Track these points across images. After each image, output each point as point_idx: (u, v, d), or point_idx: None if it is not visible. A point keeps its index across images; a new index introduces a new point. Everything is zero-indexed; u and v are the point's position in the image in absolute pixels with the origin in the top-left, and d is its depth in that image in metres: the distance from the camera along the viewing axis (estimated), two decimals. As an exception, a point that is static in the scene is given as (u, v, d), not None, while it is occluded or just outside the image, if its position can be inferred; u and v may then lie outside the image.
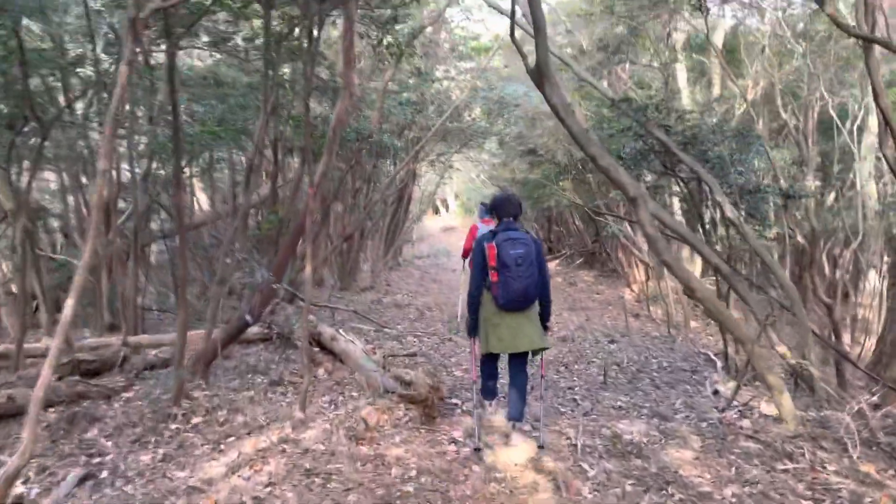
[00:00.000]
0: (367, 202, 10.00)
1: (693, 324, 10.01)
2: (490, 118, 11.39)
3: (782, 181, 6.72)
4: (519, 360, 4.44)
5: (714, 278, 9.74)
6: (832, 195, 8.92)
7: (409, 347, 7.26)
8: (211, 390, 5.19)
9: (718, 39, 11.29)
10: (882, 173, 8.25)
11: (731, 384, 6.25)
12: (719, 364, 6.78)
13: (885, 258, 8.29)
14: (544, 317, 4.46)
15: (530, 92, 10.71)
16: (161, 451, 4.05)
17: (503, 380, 4.99)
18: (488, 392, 4.70)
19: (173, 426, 4.36)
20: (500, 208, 4.40)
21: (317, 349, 6.31)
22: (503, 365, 4.73)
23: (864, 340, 7.86)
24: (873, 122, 7.95)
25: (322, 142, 7.85)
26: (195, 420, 4.46)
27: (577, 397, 5.73)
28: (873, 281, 8.05)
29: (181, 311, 4.62)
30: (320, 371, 5.81)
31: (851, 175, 8.44)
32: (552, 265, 18.85)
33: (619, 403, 5.51)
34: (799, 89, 9.51)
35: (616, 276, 15.63)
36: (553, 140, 11.11)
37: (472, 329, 4.48)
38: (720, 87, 11.49)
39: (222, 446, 4.05)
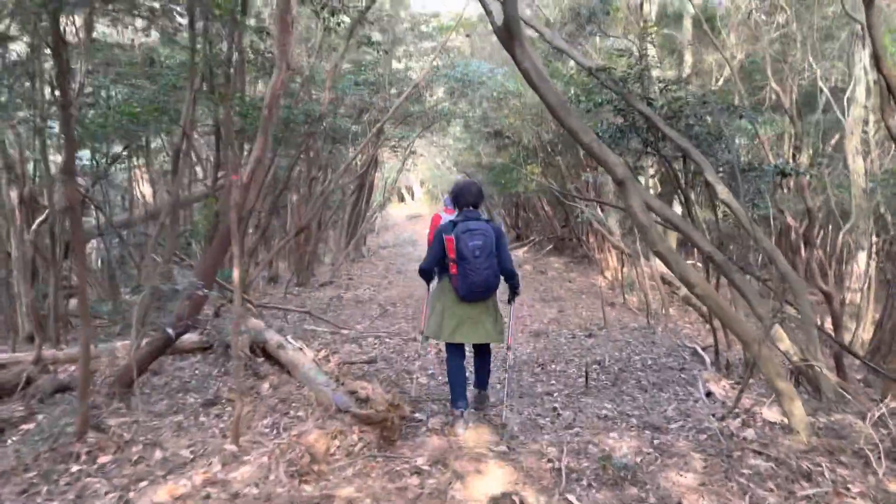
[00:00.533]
0: (323, 191, 9.20)
1: (671, 311, 9.48)
2: (453, 99, 10.69)
3: (770, 157, 6.16)
4: (482, 353, 4.67)
5: (703, 267, 9.19)
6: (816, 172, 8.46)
7: (368, 351, 6.55)
8: (131, 415, 4.41)
9: (690, 9, 10.73)
10: (869, 149, 7.75)
11: (724, 383, 5.69)
12: (708, 360, 6.21)
13: (875, 239, 7.82)
14: (514, 289, 4.59)
15: (496, 69, 10.03)
16: None
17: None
18: (459, 397, 4.40)
19: (74, 468, 3.58)
20: (460, 197, 4.40)
21: (262, 359, 5.56)
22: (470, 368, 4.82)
23: (855, 327, 7.41)
24: (861, 92, 7.44)
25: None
26: (103, 459, 3.69)
27: (556, 405, 5.09)
28: (863, 264, 7.58)
29: (84, 326, 3.83)
30: (264, 386, 5.06)
31: (831, 150, 7.94)
32: (520, 252, 18.26)
33: (604, 412, 4.88)
34: (779, 62, 9.00)
35: (588, 263, 15.09)
36: (520, 121, 10.44)
37: (428, 278, 4.57)
38: (692, 62, 10.94)
39: (131, 494, 3.29)
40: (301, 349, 5.44)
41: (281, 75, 4.56)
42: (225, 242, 4.67)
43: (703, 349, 6.65)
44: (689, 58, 11.00)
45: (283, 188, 7.87)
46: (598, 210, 12.53)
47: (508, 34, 3.49)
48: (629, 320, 8.99)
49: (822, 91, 7.40)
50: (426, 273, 4.47)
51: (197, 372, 5.44)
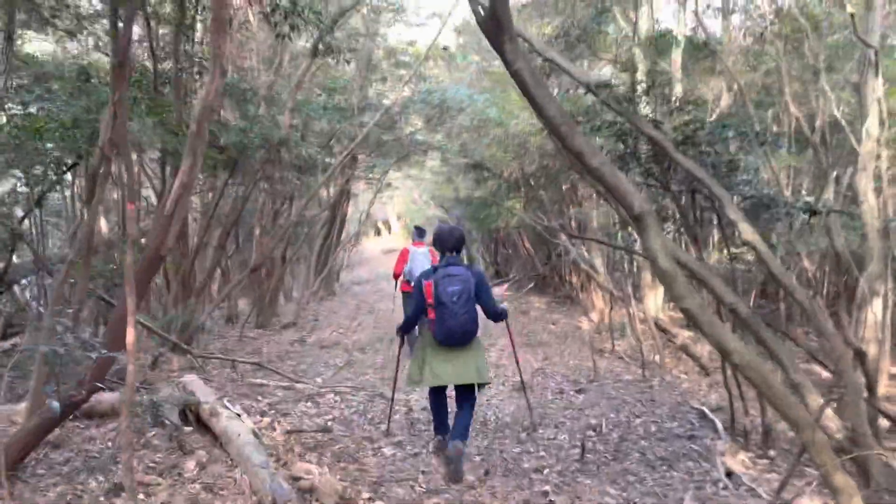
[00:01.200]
0: (284, 224, 8.31)
1: (666, 360, 8.64)
2: (429, 127, 9.92)
3: (784, 191, 5.45)
4: (466, 396, 4.51)
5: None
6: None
7: (325, 412, 5.60)
8: (11, 508, 3.43)
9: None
10: (882, 188, 7.09)
11: (743, 456, 4.83)
12: (720, 425, 5.36)
13: (890, 284, 7.10)
14: (503, 316, 4.71)
15: (475, 95, 9.31)
16: None
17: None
18: (441, 425, 4.65)
19: None
20: (443, 242, 4.44)
21: (190, 428, 4.59)
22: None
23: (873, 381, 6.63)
24: (873, 124, 6.79)
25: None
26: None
27: (548, 487, 4.19)
28: (879, 311, 6.85)
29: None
30: (189, 465, 4.09)
31: (846, 187, 7.27)
32: (500, 290, 17.41)
33: (607, 499, 3.99)
34: (774, 94, 8.42)
35: (571, 303, 14.28)
36: (502, 151, 9.69)
37: (404, 329, 4.78)
38: (682, 92, 10.33)
39: None
40: (239, 415, 4.48)
41: (214, 83, 3.71)
42: (140, 286, 3.74)
43: (712, 410, 5.81)
44: (679, 88, 10.37)
45: (236, 220, 6.97)
46: (583, 248, 11.79)
47: (497, 26, 2.69)
48: (621, 370, 8.14)
49: (834, 124, 6.75)
50: (410, 323, 4.68)
51: (111, 444, 4.45)
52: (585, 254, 11.70)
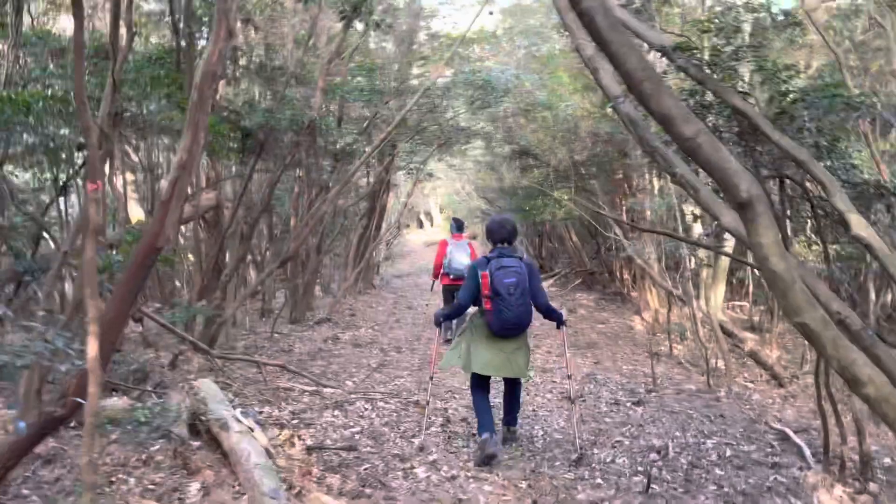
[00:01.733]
0: (315, 214, 7.77)
1: (732, 368, 7.84)
2: (472, 110, 9.26)
3: (884, 175, 4.62)
4: (513, 386, 4.65)
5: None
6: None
7: (352, 424, 5.03)
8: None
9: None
10: None
11: (840, 491, 4.08)
12: (807, 451, 4.61)
13: None
14: (559, 321, 4.79)
15: (523, 74, 8.61)
16: None
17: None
18: (486, 423, 4.42)
19: None
20: (495, 233, 4.47)
21: (197, 443, 4.07)
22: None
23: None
24: None
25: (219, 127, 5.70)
26: None
27: (609, 527, 3.53)
28: None
29: None
30: (192, 489, 3.56)
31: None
32: (544, 286, 16.69)
33: (682, 547, 3.31)
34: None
35: (621, 301, 13.48)
36: (550, 137, 8.98)
37: (442, 321, 4.83)
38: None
39: None
40: (251, 430, 3.93)
41: (218, 44, 3.14)
42: (132, 283, 3.21)
43: (796, 432, 5.04)
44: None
45: (266, 208, 6.45)
46: (637, 243, 10.99)
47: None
48: (682, 378, 7.38)
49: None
50: (461, 310, 4.64)
51: (109, 459, 3.95)
52: (640, 248, 10.91)
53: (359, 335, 9.15)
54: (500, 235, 4.46)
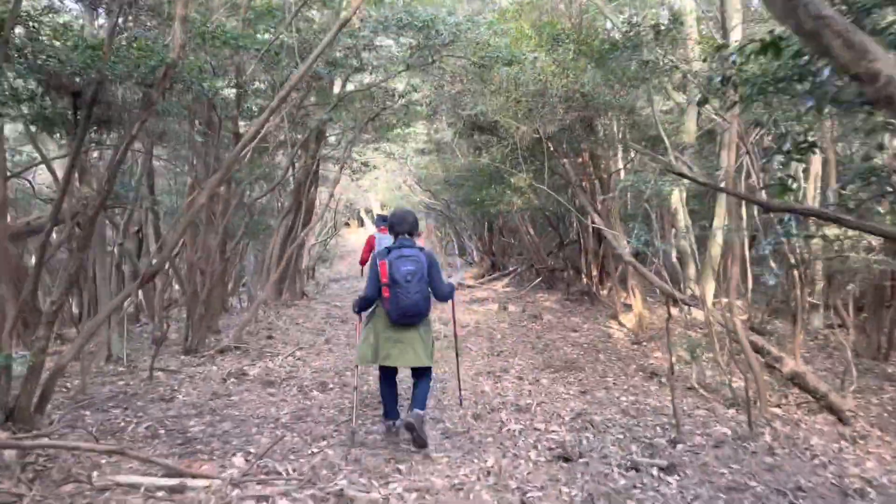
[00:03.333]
0: (195, 212, 5.58)
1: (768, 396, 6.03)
2: (412, 68, 7.14)
3: None
4: (420, 376, 4.66)
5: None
6: None
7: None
8: None
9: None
10: None
11: None
12: None
13: None
14: (450, 295, 4.77)
15: (477, 17, 6.63)
16: None
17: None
18: (391, 410, 4.80)
19: None
20: (396, 225, 4.64)
21: None
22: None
23: None
24: None
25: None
26: None
27: None
28: None
29: None
30: None
31: None
32: (498, 287, 14.83)
33: None
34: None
35: (590, 301, 11.70)
36: (512, 102, 7.01)
37: (358, 311, 4.77)
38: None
39: None
40: None
41: None
42: None
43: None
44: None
45: (103, 204, 4.22)
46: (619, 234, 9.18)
47: None
48: (705, 415, 5.55)
49: None
50: (369, 301, 4.64)
51: None
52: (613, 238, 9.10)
53: (273, 368, 6.99)
54: (401, 228, 4.61)
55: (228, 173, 5.13)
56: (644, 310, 9.31)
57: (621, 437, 4.90)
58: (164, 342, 7.91)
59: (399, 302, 4.35)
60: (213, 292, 7.97)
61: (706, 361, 6.88)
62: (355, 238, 31.90)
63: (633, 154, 10.45)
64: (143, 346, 8.10)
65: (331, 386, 6.36)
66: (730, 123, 5.04)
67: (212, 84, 5.31)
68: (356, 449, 4.46)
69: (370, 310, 4.74)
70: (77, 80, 4.16)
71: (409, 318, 4.44)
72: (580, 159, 9.82)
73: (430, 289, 4.51)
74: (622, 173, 11.31)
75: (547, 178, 7.68)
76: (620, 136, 9.19)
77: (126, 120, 4.51)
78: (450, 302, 4.96)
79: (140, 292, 9.24)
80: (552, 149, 7.78)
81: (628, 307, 10.10)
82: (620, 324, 9.82)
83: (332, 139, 14.90)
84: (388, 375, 4.77)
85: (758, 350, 5.84)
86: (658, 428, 5.08)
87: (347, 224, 33.29)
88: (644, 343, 8.70)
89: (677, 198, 8.93)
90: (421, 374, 4.65)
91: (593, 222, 7.58)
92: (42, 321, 4.48)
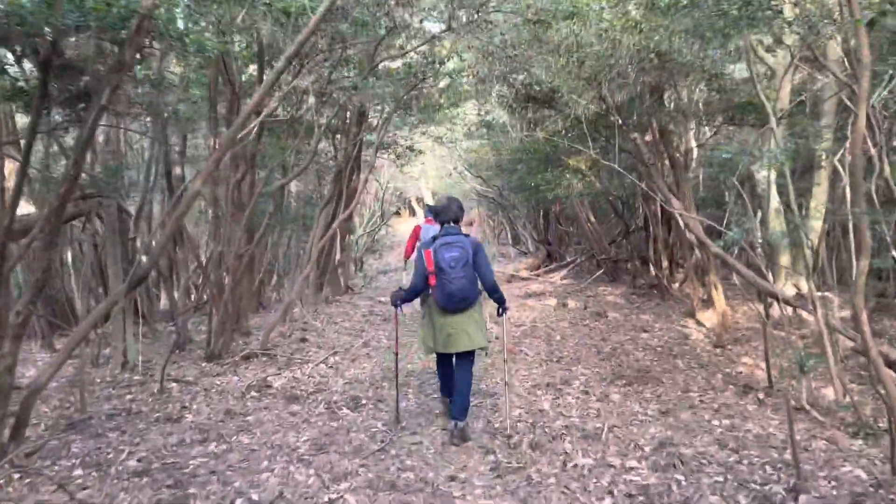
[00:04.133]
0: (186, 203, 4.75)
1: None
2: (455, 28, 6.09)
3: None
4: (463, 360, 4.67)
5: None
6: None
7: None
8: None
9: None
10: None
11: None
12: None
13: None
14: (500, 303, 4.81)
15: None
16: None
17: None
18: (445, 389, 5.08)
19: None
20: (441, 214, 4.68)
21: None
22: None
23: None
24: None
25: None
26: None
27: None
28: None
29: None
30: None
31: None
32: (556, 278, 13.73)
33: None
34: None
35: (660, 296, 10.49)
36: (574, 65, 5.92)
37: (399, 304, 4.79)
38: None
39: None
40: None
41: None
42: None
43: None
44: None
45: (71, 189, 3.41)
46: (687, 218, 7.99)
47: None
48: (822, 445, 4.40)
49: None
50: (414, 293, 4.68)
51: None
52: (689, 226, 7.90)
53: (300, 378, 6.15)
54: (446, 216, 4.62)
55: (224, 154, 4.25)
56: (729, 306, 8.09)
57: (721, 479, 3.83)
58: (183, 348, 7.22)
59: (445, 288, 4.42)
60: (238, 289, 7.19)
61: (814, 373, 5.69)
62: (405, 228, 31.08)
63: (707, 129, 9.20)
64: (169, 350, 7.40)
65: (363, 402, 5.47)
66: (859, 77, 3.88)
67: (216, 45, 4.43)
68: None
69: (425, 302, 4.86)
70: (31, 37, 3.33)
71: (457, 303, 4.48)
72: (648, 135, 8.64)
73: (477, 275, 4.54)
74: (695, 150, 10.08)
75: (615, 157, 6.55)
76: (698, 104, 7.96)
77: (99, 87, 3.67)
78: (504, 316, 4.95)
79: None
80: (620, 122, 6.66)
81: (706, 303, 8.90)
82: (698, 323, 8.63)
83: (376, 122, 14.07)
84: (444, 360, 4.95)
85: (890, 364, 4.64)
86: (768, 467, 3.98)
87: (398, 213, 32.59)
88: (728, 347, 7.52)
89: (766, 176, 7.69)
90: (464, 360, 4.69)
91: (671, 207, 6.43)
92: (8, 335, 3.71)
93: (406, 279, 8.79)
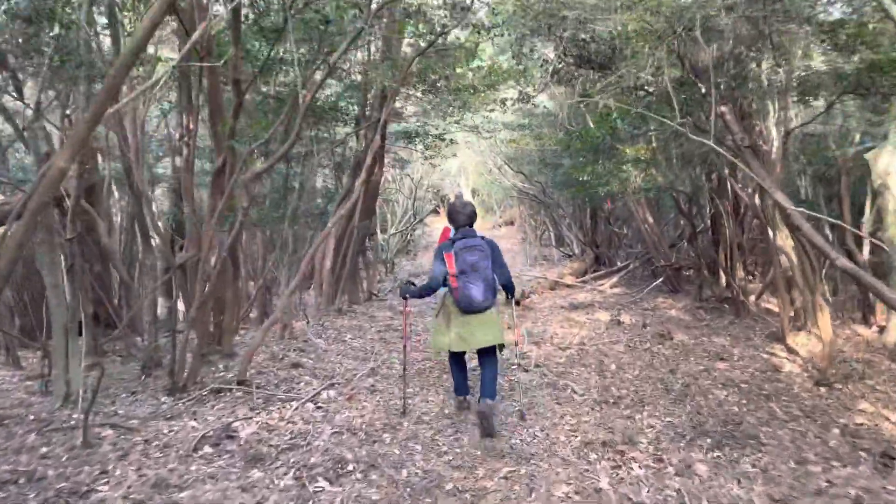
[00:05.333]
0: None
1: None
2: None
3: None
4: (487, 356, 4.83)
5: None
6: None
7: None
8: None
9: None
10: None
11: None
12: None
13: None
14: (513, 293, 5.08)
15: None
16: None
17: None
18: (460, 388, 5.07)
19: None
20: (456, 217, 4.84)
21: None
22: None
23: None
24: None
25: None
26: None
27: None
28: None
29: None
30: None
31: None
32: (606, 286, 12.07)
33: None
34: None
35: (734, 311, 8.76)
36: (657, 13, 4.31)
37: (409, 296, 5.03)
38: None
39: None
40: None
41: None
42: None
43: None
44: None
45: None
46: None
47: None
48: None
49: None
50: (429, 291, 4.90)
51: None
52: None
53: (275, 425, 4.69)
54: (461, 220, 4.80)
55: (105, 108, 2.79)
56: (834, 332, 6.37)
57: None
58: (149, 373, 5.87)
59: (467, 289, 4.59)
60: (209, 304, 5.80)
61: None
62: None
63: (797, 108, 7.45)
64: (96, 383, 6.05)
65: (350, 467, 3.99)
66: None
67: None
68: None
69: (440, 301, 4.96)
70: None
71: (479, 304, 4.63)
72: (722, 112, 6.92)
73: (494, 275, 4.71)
74: (776, 136, 8.33)
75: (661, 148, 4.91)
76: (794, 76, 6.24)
77: None
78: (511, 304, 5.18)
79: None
80: (704, 92, 5.03)
81: (795, 323, 7.19)
82: (789, 350, 6.92)
83: (406, 109, 12.62)
84: (458, 358, 5.03)
85: None
86: None
87: (436, 211, 31.15)
88: (836, 385, 5.81)
89: (889, 164, 5.95)
90: (489, 358, 4.82)
91: (780, 203, 4.72)
92: None
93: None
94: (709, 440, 4.49)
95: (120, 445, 4.25)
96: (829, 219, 5.05)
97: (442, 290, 4.94)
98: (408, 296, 5.01)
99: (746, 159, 4.82)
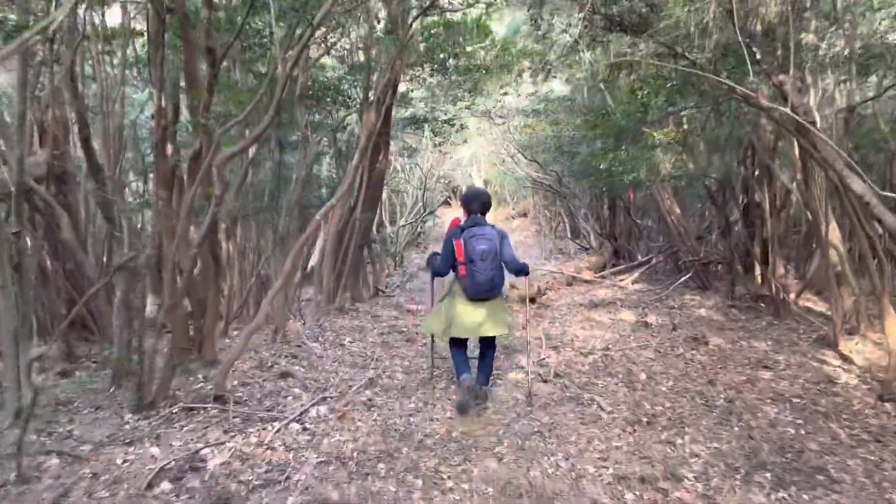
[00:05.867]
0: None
1: None
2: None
3: None
4: (488, 345, 5.03)
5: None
6: None
7: None
8: None
9: None
10: None
11: None
12: None
13: None
14: (522, 273, 4.88)
15: None
16: None
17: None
18: (462, 369, 4.93)
19: None
20: (468, 204, 4.87)
21: None
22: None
23: None
24: None
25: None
26: None
27: None
28: None
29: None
30: None
31: None
32: (627, 282, 11.26)
33: None
34: None
35: (772, 312, 7.95)
36: None
37: (434, 267, 5.04)
38: None
39: None
40: None
41: None
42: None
43: None
44: None
45: None
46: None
47: None
48: None
49: None
50: (441, 275, 5.01)
51: None
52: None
53: (250, 454, 3.98)
54: (474, 207, 4.81)
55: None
56: None
57: None
58: (120, 384, 5.19)
59: (475, 278, 4.63)
60: (182, 306, 5.10)
61: None
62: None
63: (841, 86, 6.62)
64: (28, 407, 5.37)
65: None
66: None
67: None
68: None
69: (447, 287, 5.03)
70: None
71: (486, 292, 4.70)
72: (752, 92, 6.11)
73: (502, 263, 4.75)
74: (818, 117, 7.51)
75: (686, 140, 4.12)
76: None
77: None
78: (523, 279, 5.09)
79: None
80: (758, 57, 4.23)
81: (847, 326, 6.39)
82: (843, 357, 6.13)
83: (414, 94, 11.83)
84: (459, 344, 5.00)
85: None
86: None
87: (448, 203, 30.36)
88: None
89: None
90: (488, 347, 5.02)
91: (854, 188, 3.93)
92: None
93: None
94: (768, 475, 3.73)
95: (62, 480, 3.56)
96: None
97: (450, 276, 4.99)
98: (434, 266, 5.06)
99: (812, 139, 4.04)
